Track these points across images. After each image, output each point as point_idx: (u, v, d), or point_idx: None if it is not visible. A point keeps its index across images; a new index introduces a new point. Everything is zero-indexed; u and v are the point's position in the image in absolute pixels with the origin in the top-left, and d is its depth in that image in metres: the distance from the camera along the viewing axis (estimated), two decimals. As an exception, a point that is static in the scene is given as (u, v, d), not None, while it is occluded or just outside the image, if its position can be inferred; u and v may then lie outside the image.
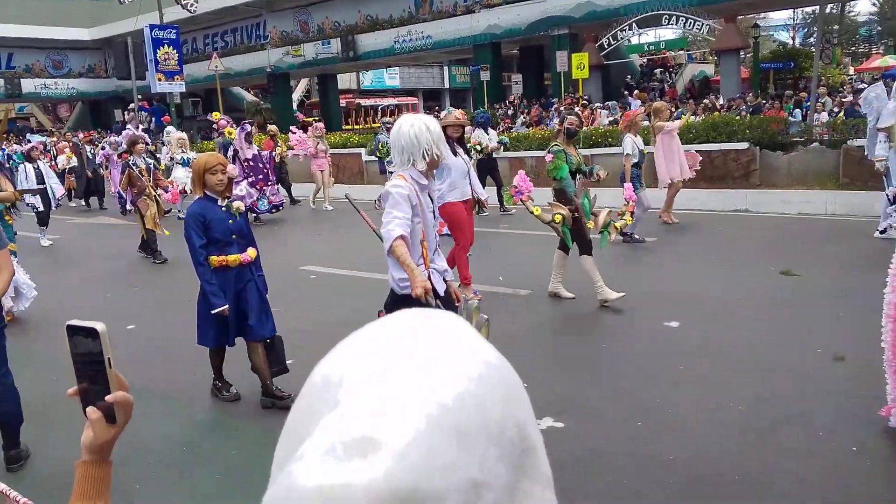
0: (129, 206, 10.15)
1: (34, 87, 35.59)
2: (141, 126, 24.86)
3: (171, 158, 13.40)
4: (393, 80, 42.36)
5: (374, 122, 35.25)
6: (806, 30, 42.80)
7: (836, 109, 16.22)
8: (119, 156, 13.71)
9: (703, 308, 5.80)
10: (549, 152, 6.34)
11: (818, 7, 17.85)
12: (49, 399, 4.50)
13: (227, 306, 4.19)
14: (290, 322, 6.30)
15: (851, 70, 33.74)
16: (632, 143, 8.53)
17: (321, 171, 13.53)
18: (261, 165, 11.86)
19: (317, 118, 30.79)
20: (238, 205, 4.31)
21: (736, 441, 3.61)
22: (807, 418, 3.80)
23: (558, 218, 5.90)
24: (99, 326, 0.92)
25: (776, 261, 7.03)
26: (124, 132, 16.10)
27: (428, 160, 3.39)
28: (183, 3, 24.69)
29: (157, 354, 5.57)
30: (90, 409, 0.96)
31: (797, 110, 17.01)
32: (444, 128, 6.08)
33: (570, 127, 6.40)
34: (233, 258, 4.22)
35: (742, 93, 21.48)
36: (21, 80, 34.84)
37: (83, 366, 0.94)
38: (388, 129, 13.20)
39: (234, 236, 4.22)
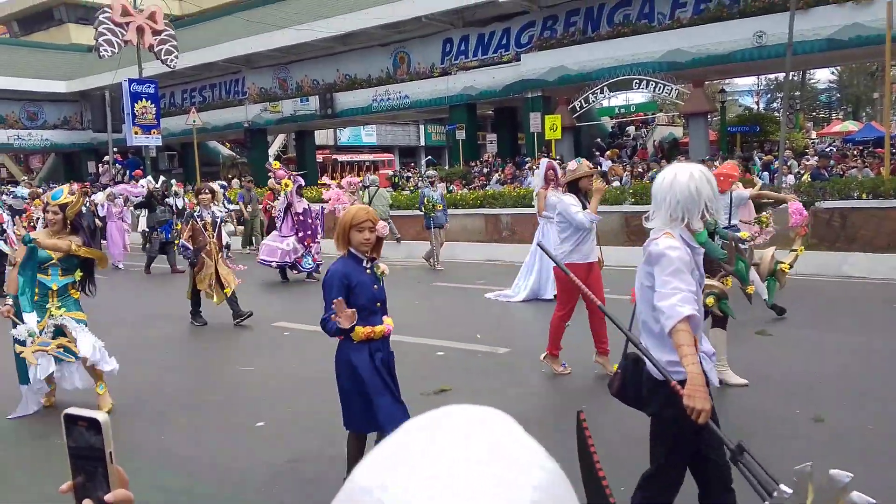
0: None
1: (7, 137, 35.32)
2: (114, 179, 24.73)
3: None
4: (370, 137, 42.87)
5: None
6: (769, 95, 44.43)
7: (801, 172, 16.71)
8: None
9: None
10: None
11: (782, 74, 18.55)
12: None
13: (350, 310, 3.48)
14: (264, 379, 6.18)
15: (814, 134, 34.96)
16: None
17: None
18: (309, 221, 11.47)
19: (304, 172, 30.95)
20: (384, 268, 3.76)
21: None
22: None
23: (710, 301, 4.82)
24: (101, 417, 0.83)
25: (753, 323, 7.10)
26: (119, 186, 15.91)
27: (702, 219, 2.84)
28: (162, 58, 24.89)
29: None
30: None
31: (765, 172, 17.48)
32: (577, 180, 5.81)
33: None
34: (380, 329, 3.66)
35: (711, 155, 22.07)
36: (-6, 130, 34.61)
37: (80, 459, 0.85)
38: (432, 183, 13.17)
39: (378, 304, 3.68)
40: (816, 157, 17.60)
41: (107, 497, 0.85)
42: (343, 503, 0.50)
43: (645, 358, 2.68)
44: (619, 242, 12.15)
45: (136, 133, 22.51)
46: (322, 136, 38.72)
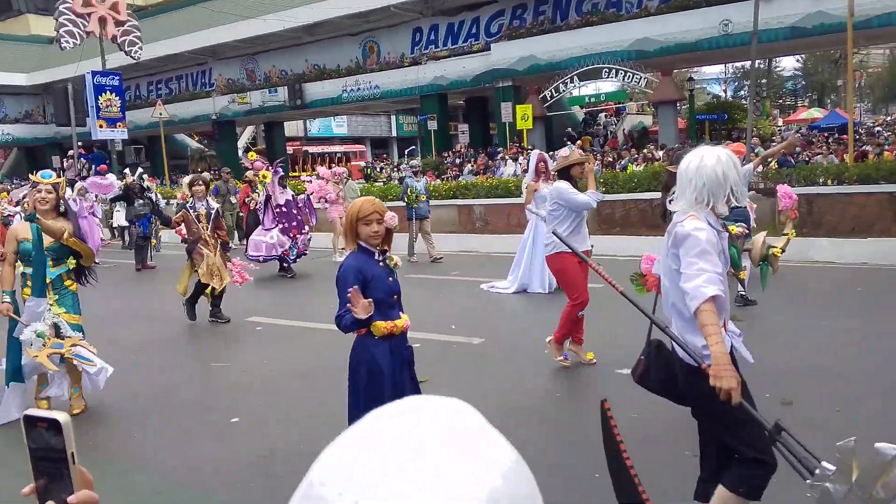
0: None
1: (-34, 132, 34.48)
2: (80, 174, 24.24)
3: (181, 205, 12.88)
4: (340, 128, 42.58)
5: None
6: (736, 83, 44.96)
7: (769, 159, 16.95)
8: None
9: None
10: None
11: (748, 63, 18.77)
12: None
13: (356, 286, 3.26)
14: (236, 376, 6.12)
15: (780, 122, 35.52)
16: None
17: (340, 219, 12.76)
18: (294, 212, 11.13)
19: (284, 159, 30.63)
20: (396, 259, 3.60)
21: None
22: None
23: None
24: (62, 418, 0.82)
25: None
26: (88, 180, 15.44)
27: (728, 203, 2.79)
28: (126, 49, 24.39)
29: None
30: None
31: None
32: (569, 167, 5.76)
33: None
34: (400, 324, 3.49)
35: (681, 142, 22.29)
36: (-48, 125, 33.74)
37: (42, 461, 0.83)
38: (416, 173, 12.68)
39: (395, 297, 3.50)
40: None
41: (70, 498, 0.84)
42: (300, 497, 0.51)
43: (676, 344, 2.64)
44: (590, 231, 12.22)
45: (100, 126, 22.06)
46: (292, 128, 38.37)
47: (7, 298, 5.02)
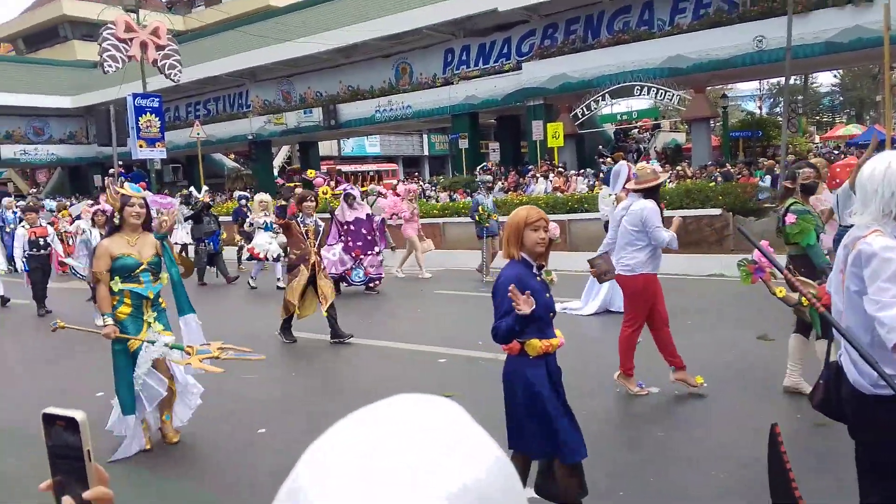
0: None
1: (13, 153, 35.63)
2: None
3: (251, 224, 12.56)
4: (374, 147, 43.04)
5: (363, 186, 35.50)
6: (772, 100, 44.40)
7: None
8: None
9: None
10: (789, 212, 5.09)
11: (783, 79, 18.57)
12: (9, 478, 4.35)
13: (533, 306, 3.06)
14: (267, 386, 6.20)
15: (817, 138, 34.94)
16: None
17: (415, 236, 12.42)
18: (363, 231, 10.63)
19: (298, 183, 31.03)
20: (553, 275, 3.42)
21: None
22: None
23: (805, 302, 4.81)
24: (79, 416, 0.84)
25: (753, 326, 7.10)
26: (150, 198, 15.49)
27: None
28: (166, 73, 25.08)
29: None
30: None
31: (767, 177, 17.48)
32: (655, 188, 5.41)
33: (806, 182, 5.23)
34: (556, 342, 3.28)
35: (715, 160, 22.08)
36: (1, 146, 34.88)
37: (60, 458, 0.86)
38: (489, 189, 12.39)
39: (551, 314, 3.31)
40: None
41: (85, 494, 0.86)
42: (285, 490, 0.52)
43: (874, 370, 2.27)
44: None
45: (140, 146, 22.64)
46: (326, 147, 38.91)
47: (110, 321, 4.64)
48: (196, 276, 12.82)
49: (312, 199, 7.97)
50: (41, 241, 10.73)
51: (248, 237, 14.68)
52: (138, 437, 4.74)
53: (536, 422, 3.20)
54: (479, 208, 11.47)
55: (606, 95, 21.50)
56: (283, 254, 11.90)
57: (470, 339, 7.22)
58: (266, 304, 10.81)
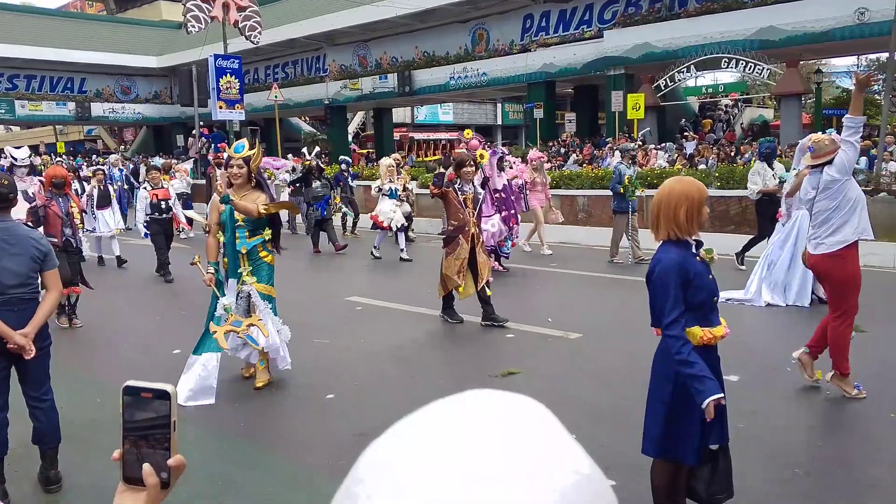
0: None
1: (103, 111, 37.04)
2: (200, 151, 25.60)
3: (378, 189, 11.81)
4: (446, 116, 42.80)
5: (428, 157, 35.56)
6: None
7: (903, 159, 15.63)
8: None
9: (763, 364, 5.52)
10: None
11: (885, 55, 17.37)
12: (89, 424, 4.50)
13: (722, 395, 2.76)
14: (334, 353, 6.24)
15: (919, 119, 32.69)
16: None
17: (541, 207, 11.59)
18: (512, 198, 9.87)
19: (370, 150, 31.23)
20: (714, 253, 3.08)
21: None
22: None
23: None
24: (170, 389, 0.88)
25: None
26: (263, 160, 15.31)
27: None
28: (247, 34, 25.45)
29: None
30: (148, 472, 0.88)
31: (863, 158, 16.46)
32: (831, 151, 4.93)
33: None
34: (719, 332, 2.91)
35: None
36: (91, 104, 36.33)
37: (141, 430, 0.89)
38: (633, 158, 10.80)
39: (715, 298, 2.94)
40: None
41: (170, 462, 0.89)
42: (343, 490, 0.47)
43: None
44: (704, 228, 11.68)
45: (220, 107, 23.12)
46: (400, 114, 38.91)
47: (211, 269, 5.06)
48: (311, 244, 12.54)
49: (472, 163, 7.27)
50: (163, 205, 9.95)
51: (351, 203, 14.59)
52: (207, 382, 4.98)
53: (688, 422, 2.83)
54: (625, 179, 10.32)
55: (691, 67, 20.60)
56: (405, 223, 11.61)
57: (604, 321, 7.07)
58: (390, 274, 10.75)
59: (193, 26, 24.31)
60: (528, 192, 11.11)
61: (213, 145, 27.17)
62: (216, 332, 4.94)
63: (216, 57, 23.34)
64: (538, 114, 23.30)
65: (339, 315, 7.76)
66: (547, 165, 12.70)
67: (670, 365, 2.83)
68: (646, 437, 2.98)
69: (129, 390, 0.88)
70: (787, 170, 8.40)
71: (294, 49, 33.05)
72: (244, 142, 5.26)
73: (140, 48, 36.79)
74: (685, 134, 23.48)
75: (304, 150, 14.51)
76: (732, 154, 19.02)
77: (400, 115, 39.05)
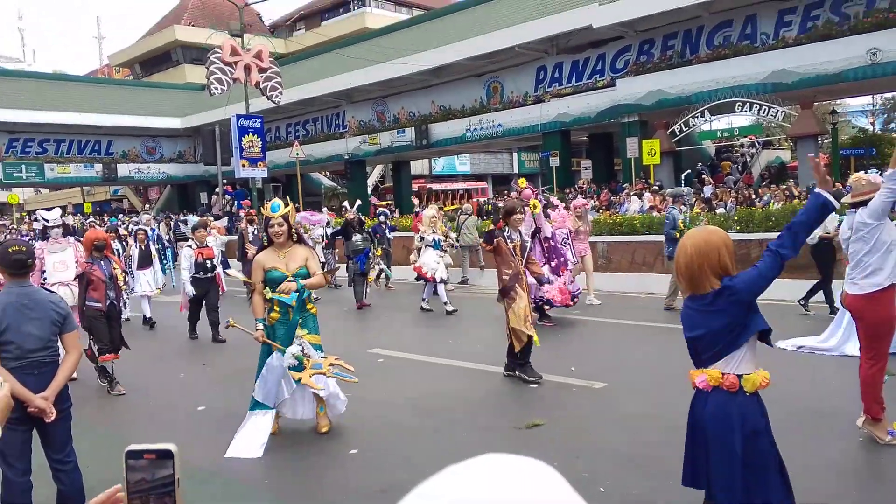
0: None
1: (129, 171, 38.00)
2: (223, 209, 26.06)
3: (421, 238, 11.69)
4: (464, 166, 43.29)
5: (446, 206, 35.85)
6: (886, 115, 41.71)
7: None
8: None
9: (809, 412, 5.44)
10: None
11: (900, 93, 17.40)
12: (114, 483, 4.52)
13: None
14: (355, 407, 6.24)
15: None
16: None
17: (582, 257, 11.20)
18: (559, 246, 9.76)
19: (390, 202, 31.59)
20: None
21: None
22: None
23: None
24: (172, 448, 0.90)
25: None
26: (299, 215, 14.62)
27: None
28: (268, 94, 26.16)
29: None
30: None
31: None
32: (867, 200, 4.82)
33: None
34: (767, 374, 2.93)
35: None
36: (117, 165, 37.30)
37: (144, 492, 0.90)
38: (687, 203, 10.60)
39: None
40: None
41: None
42: None
43: None
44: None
45: (243, 165, 23.66)
46: (418, 166, 39.46)
47: (260, 326, 5.23)
48: (353, 298, 12.24)
49: (521, 210, 7.21)
50: (208, 264, 9.63)
51: (387, 255, 14.53)
52: (259, 434, 5.12)
53: (746, 473, 2.76)
54: (679, 223, 10.10)
55: (705, 112, 20.77)
56: (444, 279, 11.36)
57: (628, 369, 7.02)
58: (414, 325, 10.75)
59: (216, 88, 25.05)
60: (571, 241, 10.80)
61: (236, 202, 27.72)
62: (300, 377, 5.15)
63: (238, 117, 23.97)
64: (554, 162, 23.52)
65: (360, 367, 7.77)
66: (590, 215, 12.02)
67: (736, 418, 2.78)
68: (722, 500, 2.83)
69: (132, 454, 0.90)
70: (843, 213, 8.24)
71: (314, 107, 33.84)
72: (278, 201, 5.41)
73: (165, 110, 37.89)
74: (702, 178, 23.52)
75: (346, 203, 14.52)
76: (751, 197, 18.99)
77: (418, 166, 39.59)
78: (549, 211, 10.18)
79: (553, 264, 9.28)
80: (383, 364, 7.87)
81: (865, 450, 4.70)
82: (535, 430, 5.34)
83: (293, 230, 5.31)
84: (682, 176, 20.37)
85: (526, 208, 8.68)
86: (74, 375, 7.23)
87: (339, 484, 4.56)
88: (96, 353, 7.15)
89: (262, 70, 25.77)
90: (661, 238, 13.21)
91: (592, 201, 21.32)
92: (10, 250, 3.72)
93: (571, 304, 9.81)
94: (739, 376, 2.79)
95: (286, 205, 5.34)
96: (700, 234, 2.89)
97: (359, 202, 15.83)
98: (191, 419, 6.06)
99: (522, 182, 10.37)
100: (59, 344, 3.79)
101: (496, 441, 5.14)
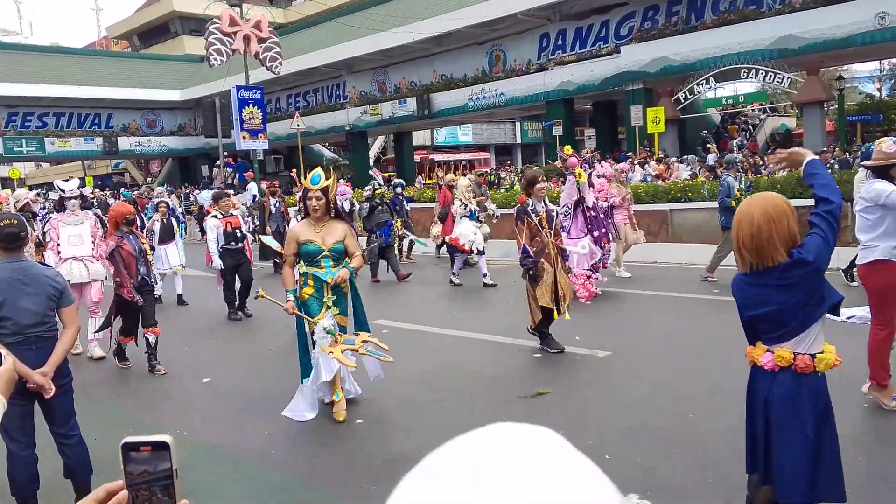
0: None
1: (129, 144, 37.83)
2: (225, 181, 25.97)
3: (466, 206, 11.02)
4: (466, 136, 43.02)
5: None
6: (893, 81, 41.20)
7: None
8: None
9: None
10: None
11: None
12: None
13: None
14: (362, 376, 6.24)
15: (946, 122, 32.15)
16: None
17: (625, 225, 10.59)
18: (602, 216, 9.27)
19: (393, 173, 31.47)
20: None
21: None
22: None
23: None
24: (168, 439, 0.88)
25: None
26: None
27: None
28: (268, 65, 25.90)
29: (233, 411, 5.58)
30: None
31: None
32: (890, 165, 4.72)
33: None
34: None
35: (828, 146, 20.74)
36: (118, 138, 37.13)
37: (143, 483, 0.89)
38: (740, 170, 9.90)
39: None
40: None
41: None
42: None
43: None
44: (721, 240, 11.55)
45: (244, 137, 23.53)
46: (419, 137, 39.21)
47: (291, 298, 5.01)
48: (369, 271, 11.65)
49: (543, 179, 6.81)
50: (238, 233, 9.13)
51: (407, 226, 14.25)
52: (308, 404, 5.17)
53: (832, 459, 2.66)
54: (735, 192, 9.48)
55: (710, 79, 20.53)
56: (481, 249, 10.76)
57: (636, 340, 7.01)
58: (420, 297, 10.57)
59: (216, 59, 24.80)
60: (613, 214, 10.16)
61: (237, 174, 27.61)
62: (332, 352, 4.95)
63: (239, 88, 23.77)
64: (558, 131, 23.33)
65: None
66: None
67: (809, 399, 2.68)
68: (788, 485, 2.70)
69: (128, 446, 0.89)
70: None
71: (314, 77, 33.54)
72: (320, 171, 5.11)
73: (164, 82, 37.61)
74: (707, 146, 23.33)
75: (374, 171, 13.94)
76: (757, 164, 18.84)
77: (420, 137, 39.35)
78: (593, 180, 9.69)
79: (596, 234, 8.84)
80: (387, 335, 7.87)
81: (870, 415, 4.69)
82: (541, 400, 5.35)
83: (332, 203, 5.05)
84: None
85: (570, 176, 8.63)
86: (78, 350, 7.28)
87: (347, 454, 4.57)
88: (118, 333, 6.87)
89: (261, 40, 25.49)
90: (668, 207, 13.14)
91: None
92: (0, 224, 3.64)
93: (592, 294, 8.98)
94: (813, 356, 2.67)
95: (327, 177, 5.04)
96: (767, 200, 2.69)
97: (385, 174, 15.40)
98: (197, 391, 6.06)
99: (568, 149, 9.90)
100: (57, 318, 3.76)
101: (502, 410, 5.14)
